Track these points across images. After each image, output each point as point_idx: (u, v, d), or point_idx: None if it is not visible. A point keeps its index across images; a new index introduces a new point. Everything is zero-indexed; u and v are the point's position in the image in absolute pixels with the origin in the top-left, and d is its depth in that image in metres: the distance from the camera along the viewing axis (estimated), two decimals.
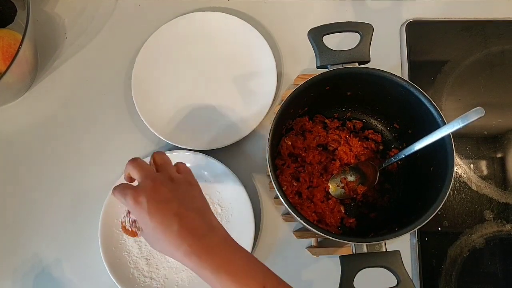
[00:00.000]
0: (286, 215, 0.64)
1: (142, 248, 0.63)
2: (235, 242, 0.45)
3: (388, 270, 0.47)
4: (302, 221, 0.49)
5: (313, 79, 0.53)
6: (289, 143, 0.62)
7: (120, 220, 0.54)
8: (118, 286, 0.60)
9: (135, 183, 0.48)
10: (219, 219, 0.63)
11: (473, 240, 0.64)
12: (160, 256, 0.63)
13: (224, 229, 0.46)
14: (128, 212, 0.52)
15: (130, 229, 0.54)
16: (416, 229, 0.48)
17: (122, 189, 0.46)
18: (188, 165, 0.65)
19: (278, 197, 0.51)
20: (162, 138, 0.65)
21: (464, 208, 0.65)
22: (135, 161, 0.48)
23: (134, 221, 0.51)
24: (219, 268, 0.42)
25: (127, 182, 0.49)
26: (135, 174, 0.47)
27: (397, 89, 0.54)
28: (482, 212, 0.65)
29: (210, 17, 0.71)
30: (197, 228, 0.43)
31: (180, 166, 0.51)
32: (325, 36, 0.54)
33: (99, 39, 0.73)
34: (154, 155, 0.50)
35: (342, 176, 0.62)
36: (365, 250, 0.48)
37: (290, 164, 0.62)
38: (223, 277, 0.41)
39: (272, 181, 0.50)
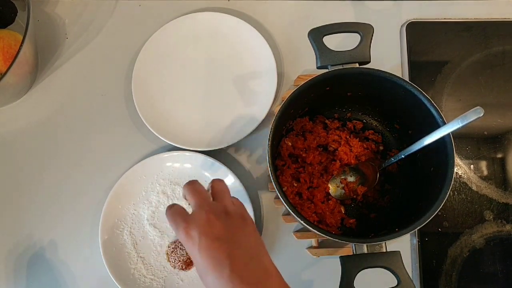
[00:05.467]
0: (286, 216, 0.64)
1: (141, 249, 0.63)
2: None
3: (388, 270, 0.47)
4: (302, 222, 0.49)
5: (313, 80, 0.53)
6: (290, 143, 0.62)
7: (166, 250, 0.64)
8: (119, 286, 0.60)
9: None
10: None
11: (473, 241, 0.64)
12: (160, 257, 0.63)
13: (279, 273, 0.42)
14: (175, 246, 0.62)
15: (173, 263, 0.63)
16: (416, 229, 0.48)
17: (174, 215, 0.43)
18: (188, 165, 0.65)
19: (279, 198, 0.51)
20: (162, 138, 0.65)
21: (464, 209, 0.65)
22: (192, 185, 0.45)
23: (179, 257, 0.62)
24: None
25: (180, 205, 0.45)
26: (190, 199, 0.45)
27: (398, 90, 0.54)
28: (482, 213, 0.65)
29: (210, 17, 0.71)
30: (250, 275, 0.39)
31: (234, 199, 0.47)
32: (325, 36, 0.54)
33: (99, 39, 0.73)
34: (213, 181, 0.47)
35: (342, 177, 0.62)
36: (365, 250, 0.48)
37: (290, 165, 0.62)
38: None
39: (273, 181, 0.50)
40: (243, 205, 0.47)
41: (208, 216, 0.41)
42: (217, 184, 0.47)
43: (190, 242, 0.41)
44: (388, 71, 0.53)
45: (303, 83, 0.53)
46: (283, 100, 0.61)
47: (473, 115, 0.45)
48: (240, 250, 0.40)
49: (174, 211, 0.44)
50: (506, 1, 0.74)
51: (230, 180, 0.64)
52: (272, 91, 0.66)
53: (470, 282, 0.62)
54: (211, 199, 0.45)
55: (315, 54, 0.55)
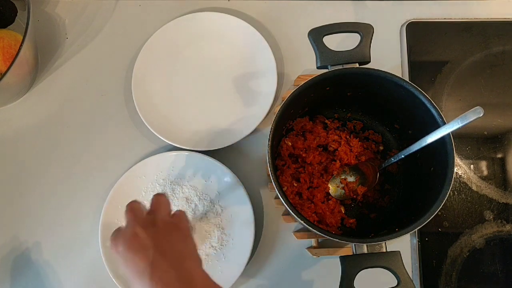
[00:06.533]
0: (286, 216, 0.64)
1: None
2: None
3: (389, 270, 0.47)
4: (302, 222, 0.49)
5: (313, 80, 0.53)
6: (290, 143, 0.62)
7: None
8: (118, 286, 0.60)
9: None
10: (219, 220, 0.63)
11: (473, 241, 0.64)
12: None
13: (206, 275, 0.43)
14: None
15: None
16: (416, 229, 0.48)
17: (111, 235, 0.46)
18: (188, 165, 0.65)
19: (279, 198, 0.51)
20: (162, 138, 0.65)
21: (464, 209, 0.65)
22: (129, 204, 0.48)
23: None
24: None
25: (120, 227, 0.47)
26: (125, 216, 0.47)
27: (397, 90, 0.54)
28: (482, 213, 0.65)
29: (210, 18, 0.71)
30: (170, 281, 0.41)
31: (177, 212, 0.49)
32: (325, 36, 0.54)
33: (99, 39, 0.73)
34: (154, 196, 0.50)
35: (342, 177, 0.62)
36: (365, 250, 0.48)
37: (290, 165, 0.62)
38: None
39: (273, 181, 0.50)
40: (184, 215, 0.49)
41: (134, 229, 0.44)
42: (155, 197, 0.49)
43: (118, 256, 0.43)
44: (388, 71, 0.53)
45: (303, 83, 0.53)
46: (283, 100, 0.61)
47: (473, 115, 0.45)
48: (162, 259, 0.42)
49: (113, 232, 0.46)
50: (506, 1, 0.74)
51: (230, 180, 0.64)
52: (272, 91, 0.66)
53: (470, 282, 0.62)
54: (144, 213, 0.47)
55: (315, 54, 0.55)
